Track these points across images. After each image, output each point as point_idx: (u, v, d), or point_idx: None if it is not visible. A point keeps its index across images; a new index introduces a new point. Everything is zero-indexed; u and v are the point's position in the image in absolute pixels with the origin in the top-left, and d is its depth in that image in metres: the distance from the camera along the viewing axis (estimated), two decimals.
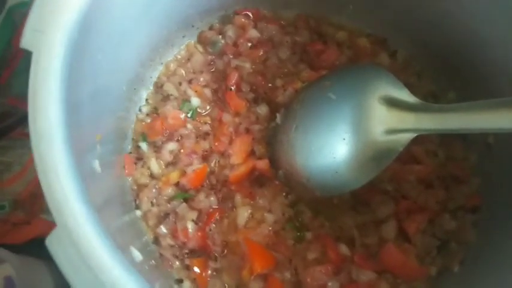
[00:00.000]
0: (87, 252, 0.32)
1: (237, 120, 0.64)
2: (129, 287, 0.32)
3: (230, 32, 0.68)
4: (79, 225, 0.33)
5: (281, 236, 0.60)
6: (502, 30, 0.53)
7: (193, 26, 0.68)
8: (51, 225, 0.75)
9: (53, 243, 0.32)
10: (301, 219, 0.61)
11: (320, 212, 0.61)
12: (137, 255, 0.47)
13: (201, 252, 0.59)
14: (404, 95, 0.52)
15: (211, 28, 0.70)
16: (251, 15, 0.69)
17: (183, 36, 0.68)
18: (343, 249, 0.58)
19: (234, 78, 0.65)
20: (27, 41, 0.39)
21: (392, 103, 0.52)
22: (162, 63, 0.68)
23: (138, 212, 0.60)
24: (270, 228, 0.60)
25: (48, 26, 0.39)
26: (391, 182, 0.61)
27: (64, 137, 0.37)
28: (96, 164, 0.47)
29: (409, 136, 0.51)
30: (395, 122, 0.51)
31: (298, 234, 0.60)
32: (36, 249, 0.74)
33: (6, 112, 0.81)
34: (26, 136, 0.85)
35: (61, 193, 0.34)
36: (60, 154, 0.36)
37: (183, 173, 0.62)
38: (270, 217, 0.60)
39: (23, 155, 0.82)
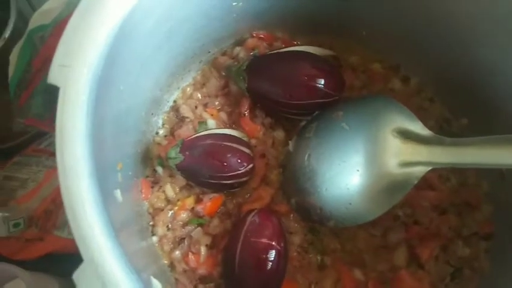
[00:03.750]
0: (113, 285, 0.33)
1: (253, 142, 0.64)
2: None
3: (242, 54, 0.68)
4: (105, 260, 0.34)
5: (306, 259, 0.60)
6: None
7: (209, 52, 0.69)
8: (63, 241, 0.76)
9: (79, 278, 0.33)
10: (322, 242, 0.61)
11: (336, 234, 0.61)
12: (156, 284, 0.48)
13: (211, 279, 0.59)
14: (418, 128, 0.53)
15: (224, 54, 0.70)
16: (265, 38, 0.69)
17: (200, 62, 0.69)
18: (358, 274, 0.59)
19: (246, 103, 0.65)
20: (54, 76, 0.40)
21: (406, 136, 0.52)
22: (179, 88, 0.69)
23: (155, 238, 0.61)
24: (297, 251, 0.60)
25: (74, 61, 0.41)
26: (402, 208, 0.61)
27: (89, 170, 0.38)
28: (118, 194, 0.48)
29: (424, 169, 0.51)
30: (409, 155, 0.52)
31: (319, 258, 0.60)
32: (47, 265, 0.76)
33: (20, 131, 0.82)
34: (40, 152, 0.87)
35: (88, 228, 0.35)
36: (86, 188, 0.37)
37: (199, 200, 0.62)
38: (295, 239, 0.60)
39: (38, 172, 0.83)
